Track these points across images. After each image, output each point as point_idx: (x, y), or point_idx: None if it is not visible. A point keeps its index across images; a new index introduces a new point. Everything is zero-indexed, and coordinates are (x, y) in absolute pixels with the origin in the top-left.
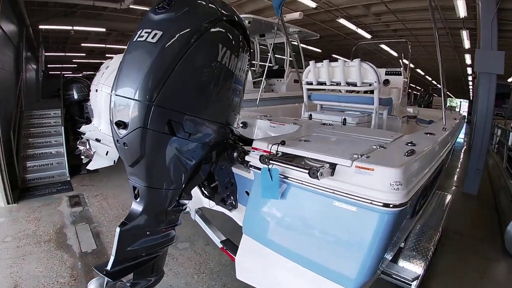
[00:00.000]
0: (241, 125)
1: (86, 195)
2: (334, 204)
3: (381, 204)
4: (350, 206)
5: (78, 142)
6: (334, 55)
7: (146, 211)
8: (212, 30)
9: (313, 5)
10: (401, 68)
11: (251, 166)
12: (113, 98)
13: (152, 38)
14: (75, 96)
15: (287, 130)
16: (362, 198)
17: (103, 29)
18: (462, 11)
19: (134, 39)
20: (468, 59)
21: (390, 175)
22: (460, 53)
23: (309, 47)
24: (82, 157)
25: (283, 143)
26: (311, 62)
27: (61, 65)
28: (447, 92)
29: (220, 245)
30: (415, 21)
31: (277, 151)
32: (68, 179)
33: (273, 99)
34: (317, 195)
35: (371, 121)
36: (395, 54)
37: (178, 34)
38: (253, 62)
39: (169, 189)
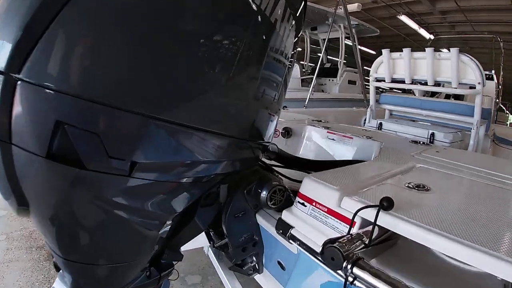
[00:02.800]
0: (282, 131)
1: None
2: None
3: None
4: None
5: None
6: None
7: None
8: None
9: None
10: (493, 72)
11: (291, 237)
12: None
13: None
14: None
15: (360, 147)
16: None
17: None
18: None
19: None
20: None
21: None
22: None
23: (361, 47)
24: None
25: (388, 204)
26: (385, 51)
27: None
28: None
29: None
30: (486, 22)
31: (373, 230)
32: None
33: (323, 100)
34: None
35: (465, 140)
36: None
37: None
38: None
39: (116, 264)
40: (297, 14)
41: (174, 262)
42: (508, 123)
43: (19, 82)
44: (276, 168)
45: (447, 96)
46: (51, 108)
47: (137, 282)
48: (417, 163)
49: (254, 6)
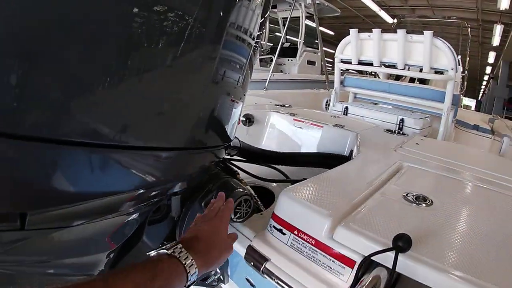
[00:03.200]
0: (242, 119)
1: None
2: None
3: None
4: None
5: None
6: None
7: None
8: None
9: None
10: (459, 57)
11: (267, 272)
12: None
13: None
14: None
15: (331, 138)
16: None
17: None
18: (505, 3)
19: None
20: (491, 57)
21: None
22: (484, 50)
23: (320, 28)
24: None
25: (405, 244)
26: (353, 31)
27: None
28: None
29: None
30: (446, 7)
31: (392, 275)
32: None
33: (284, 81)
34: None
35: (433, 125)
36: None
37: None
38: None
39: None
40: None
41: None
42: (461, 105)
43: None
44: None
45: (411, 80)
46: None
47: None
48: (403, 161)
49: None
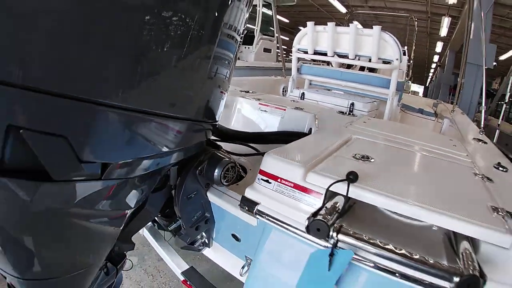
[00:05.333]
0: None
1: None
2: None
3: None
4: None
5: None
6: (301, 28)
7: None
8: None
9: None
10: (405, 47)
11: (259, 213)
12: None
13: None
14: None
15: (292, 119)
16: None
17: None
18: None
19: None
20: (439, 46)
21: None
22: (432, 40)
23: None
24: None
25: (354, 177)
26: (309, 24)
27: None
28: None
29: (182, 277)
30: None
31: (346, 202)
32: None
33: (240, 68)
34: None
35: (380, 109)
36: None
37: None
38: None
39: (76, 272)
40: None
41: (125, 252)
42: (409, 91)
43: None
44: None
45: (361, 68)
46: (4, 110)
47: (98, 282)
48: (353, 135)
49: None
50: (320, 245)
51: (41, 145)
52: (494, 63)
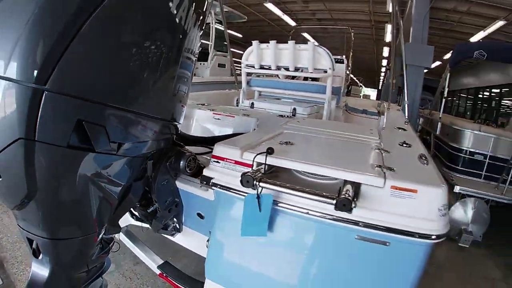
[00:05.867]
0: None
1: None
2: (356, 239)
3: (429, 237)
4: (381, 241)
5: None
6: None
7: (56, 273)
8: None
9: None
10: (343, 56)
11: (213, 184)
12: None
13: None
14: None
15: (240, 124)
16: (400, 229)
17: None
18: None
19: None
20: (386, 51)
21: (437, 198)
22: (379, 46)
23: (229, 31)
24: None
25: (271, 151)
26: (254, 42)
27: None
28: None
29: (158, 271)
30: (343, 11)
31: (265, 165)
32: None
33: (197, 84)
34: (328, 228)
35: (320, 112)
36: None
37: None
38: None
39: (89, 234)
40: (202, 18)
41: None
42: (361, 95)
43: (45, 93)
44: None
45: (306, 78)
46: (74, 111)
47: (95, 254)
48: (284, 130)
49: (177, 20)
50: None
51: (93, 130)
52: (439, 62)
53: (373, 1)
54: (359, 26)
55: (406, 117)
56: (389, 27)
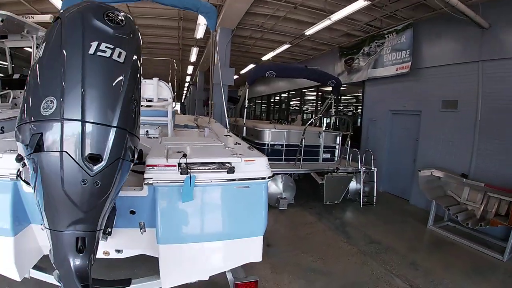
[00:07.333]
0: None
1: None
2: (235, 188)
3: (265, 178)
4: (246, 185)
5: None
6: None
7: (91, 261)
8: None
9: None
10: (169, 84)
11: (153, 183)
12: (82, 126)
13: (118, 57)
14: None
15: None
16: (252, 178)
17: None
18: (200, 34)
19: (92, 52)
20: (190, 69)
21: (263, 161)
22: (184, 64)
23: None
24: None
25: (185, 155)
26: None
27: None
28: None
29: None
30: (155, 35)
31: (186, 163)
32: None
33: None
34: (222, 186)
35: (164, 130)
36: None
37: (135, 56)
38: None
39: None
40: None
41: None
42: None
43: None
44: None
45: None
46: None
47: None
48: (167, 145)
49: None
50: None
51: (125, 144)
52: (237, 76)
53: (183, 29)
54: (169, 48)
55: (227, 127)
56: (194, 50)
